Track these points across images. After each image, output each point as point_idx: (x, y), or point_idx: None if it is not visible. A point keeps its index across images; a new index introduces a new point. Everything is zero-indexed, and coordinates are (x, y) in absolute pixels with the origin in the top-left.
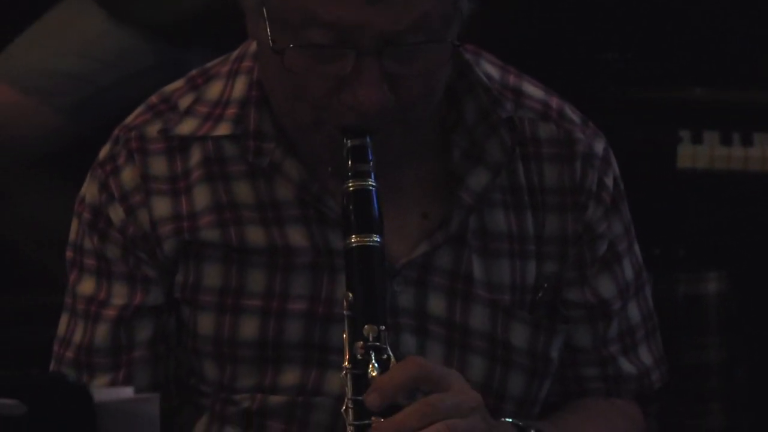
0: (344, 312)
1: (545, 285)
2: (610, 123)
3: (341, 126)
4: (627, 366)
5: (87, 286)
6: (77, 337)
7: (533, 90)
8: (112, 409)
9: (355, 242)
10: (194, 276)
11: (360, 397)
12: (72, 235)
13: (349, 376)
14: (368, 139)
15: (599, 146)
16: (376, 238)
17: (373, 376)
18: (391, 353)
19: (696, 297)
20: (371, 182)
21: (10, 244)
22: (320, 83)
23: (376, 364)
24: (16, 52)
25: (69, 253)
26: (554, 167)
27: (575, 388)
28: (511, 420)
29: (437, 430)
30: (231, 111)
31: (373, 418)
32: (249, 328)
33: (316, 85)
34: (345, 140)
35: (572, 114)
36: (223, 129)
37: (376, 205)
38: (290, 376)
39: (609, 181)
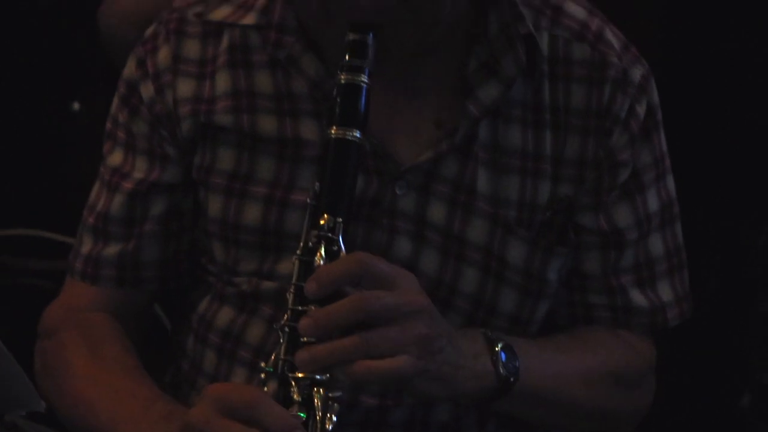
0: (308, 200)
1: (556, 207)
2: None
3: (348, 21)
4: (638, 298)
5: (116, 157)
6: (100, 204)
7: (574, 9)
8: None
9: (334, 134)
10: (209, 158)
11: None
12: (112, 108)
13: (297, 262)
14: (371, 36)
15: (636, 73)
16: (356, 134)
17: (318, 265)
18: (342, 246)
19: None
20: (364, 78)
21: None
22: None
23: (324, 254)
24: None
25: (108, 125)
26: (582, 89)
27: (582, 314)
28: (482, 330)
29: (351, 342)
30: (261, 2)
31: (312, 306)
32: (252, 213)
33: None
34: (348, 34)
35: (612, 37)
36: (250, 18)
37: (363, 102)
38: (287, 265)
39: (641, 109)
